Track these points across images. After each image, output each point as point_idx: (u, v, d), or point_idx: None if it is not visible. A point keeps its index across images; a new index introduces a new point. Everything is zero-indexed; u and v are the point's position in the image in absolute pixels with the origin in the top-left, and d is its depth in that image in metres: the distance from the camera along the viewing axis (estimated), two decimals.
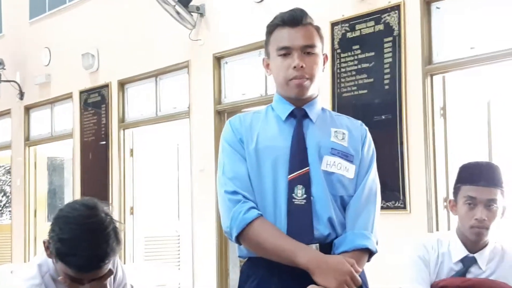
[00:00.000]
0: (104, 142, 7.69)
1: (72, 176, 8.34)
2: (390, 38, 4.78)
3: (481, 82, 4.78)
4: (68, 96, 8.39)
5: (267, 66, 2.30)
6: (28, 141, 9.42)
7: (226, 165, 2.21)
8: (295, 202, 2.12)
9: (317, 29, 2.26)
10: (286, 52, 2.19)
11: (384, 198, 4.70)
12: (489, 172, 2.65)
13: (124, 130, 7.49)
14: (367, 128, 2.31)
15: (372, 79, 4.89)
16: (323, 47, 2.28)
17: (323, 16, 5.17)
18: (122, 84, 7.55)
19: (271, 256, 2.09)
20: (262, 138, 2.20)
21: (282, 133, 2.21)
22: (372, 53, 4.89)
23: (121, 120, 7.53)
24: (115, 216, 2.20)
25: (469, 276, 2.63)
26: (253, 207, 2.12)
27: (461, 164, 2.81)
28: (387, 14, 4.81)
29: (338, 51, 5.11)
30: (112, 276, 2.33)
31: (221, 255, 6.18)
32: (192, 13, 6.26)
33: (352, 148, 2.22)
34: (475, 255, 2.65)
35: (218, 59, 6.29)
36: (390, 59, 4.77)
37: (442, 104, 4.63)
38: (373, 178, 2.24)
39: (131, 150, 7.48)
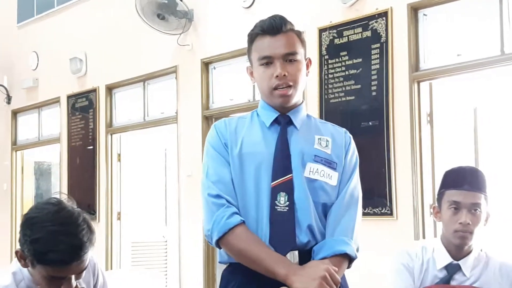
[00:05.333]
0: (91, 147, 7.66)
1: (59, 181, 8.30)
2: (378, 45, 4.79)
3: (467, 89, 4.80)
4: (56, 101, 8.36)
5: (251, 74, 2.29)
6: (15, 145, 9.37)
7: (210, 168, 2.20)
8: (277, 210, 2.12)
9: (298, 34, 2.25)
10: (268, 61, 2.19)
11: (371, 204, 4.71)
12: (472, 176, 2.65)
13: (111, 135, 7.47)
14: (351, 136, 2.32)
15: (360, 86, 4.90)
16: (306, 51, 2.27)
17: (311, 22, 5.19)
18: (109, 89, 7.53)
19: (250, 264, 2.09)
20: (246, 144, 2.20)
21: (266, 139, 2.21)
22: (360, 60, 4.90)
23: (109, 125, 7.51)
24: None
25: (453, 283, 2.63)
26: (236, 213, 2.12)
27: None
28: (375, 20, 4.82)
29: (326, 57, 5.12)
30: (92, 284, 2.31)
31: (208, 261, 6.17)
32: (180, 18, 6.26)
33: (335, 156, 2.22)
34: (460, 262, 2.64)
35: (206, 64, 6.29)
36: (378, 66, 4.79)
37: (428, 111, 4.64)
38: (355, 185, 2.24)
39: (119, 155, 7.45)
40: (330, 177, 2.18)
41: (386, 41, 4.74)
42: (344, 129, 2.33)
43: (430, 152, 4.62)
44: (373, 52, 4.82)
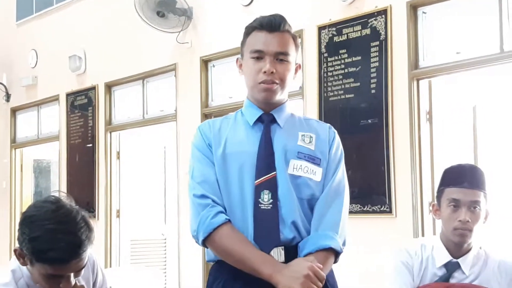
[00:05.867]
0: (90, 145, 7.66)
1: (59, 179, 8.29)
2: (377, 43, 4.79)
3: (466, 87, 4.80)
4: (55, 99, 8.35)
5: (240, 66, 2.32)
6: (15, 143, 9.37)
7: (195, 169, 2.23)
8: (261, 207, 2.13)
9: (294, 38, 2.26)
10: (258, 55, 2.21)
11: (370, 202, 4.72)
12: (472, 174, 2.65)
13: (110, 132, 7.47)
14: (335, 131, 2.33)
15: (359, 83, 4.89)
16: (297, 56, 2.29)
17: (310, 20, 5.19)
18: (109, 87, 7.52)
19: (235, 264, 2.11)
20: (229, 143, 2.22)
21: (249, 138, 2.23)
22: (359, 57, 4.90)
23: (108, 122, 7.51)
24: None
25: (452, 281, 2.62)
26: (221, 212, 2.14)
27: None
28: (374, 18, 4.82)
29: (325, 55, 5.11)
30: (92, 281, 2.31)
31: None
32: (179, 16, 6.25)
33: (319, 151, 2.23)
34: (459, 260, 2.64)
35: (205, 62, 6.29)
36: (377, 64, 4.79)
37: (428, 109, 4.64)
38: (340, 179, 2.25)
39: (118, 153, 7.45)
40: (314, 173, 2.19)
41: (386, 39, 4.74)
42: (328, 124, 2.35)
43: (429, 150, 4.62)
44: (372, 50, 4.82)
